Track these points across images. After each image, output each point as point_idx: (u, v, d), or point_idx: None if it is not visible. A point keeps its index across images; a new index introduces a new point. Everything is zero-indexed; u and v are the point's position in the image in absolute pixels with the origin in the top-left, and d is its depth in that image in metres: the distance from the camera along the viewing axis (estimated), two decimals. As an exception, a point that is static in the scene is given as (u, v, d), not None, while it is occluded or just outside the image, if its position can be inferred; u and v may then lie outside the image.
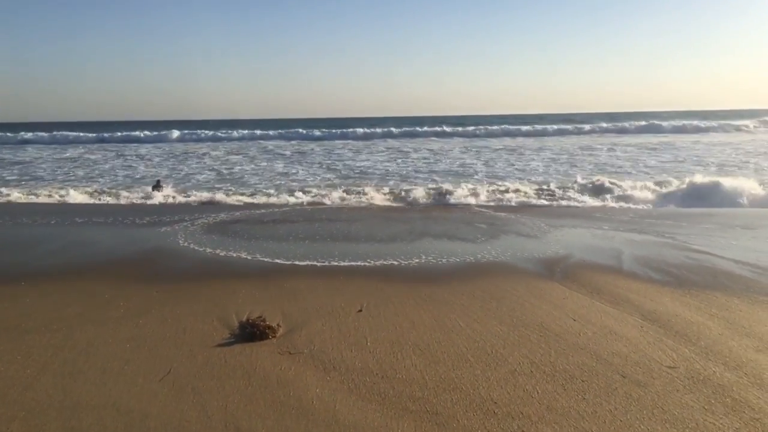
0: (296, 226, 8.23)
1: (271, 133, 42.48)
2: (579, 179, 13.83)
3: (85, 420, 2.73)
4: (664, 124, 42.06)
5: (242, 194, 12.44)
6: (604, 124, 44.61)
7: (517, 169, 17.85)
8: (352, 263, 5.80)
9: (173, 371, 3.25)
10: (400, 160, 21.71)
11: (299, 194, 12.16)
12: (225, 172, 18.41)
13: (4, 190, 13.46)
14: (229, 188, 13.96)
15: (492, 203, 10.71)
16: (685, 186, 12.09)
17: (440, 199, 11.19)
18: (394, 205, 11.03)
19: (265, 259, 6.00)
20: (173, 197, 12.01)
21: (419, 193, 11.79)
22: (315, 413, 2.78)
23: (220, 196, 11.86)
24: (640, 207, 10.37)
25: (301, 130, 44.12)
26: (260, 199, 11.69)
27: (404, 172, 17.64)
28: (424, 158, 22.50)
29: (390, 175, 16.81)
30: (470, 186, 12.51)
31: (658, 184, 12.85)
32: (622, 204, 10.73)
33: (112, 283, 5.08)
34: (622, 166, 18.28)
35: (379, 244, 6.82)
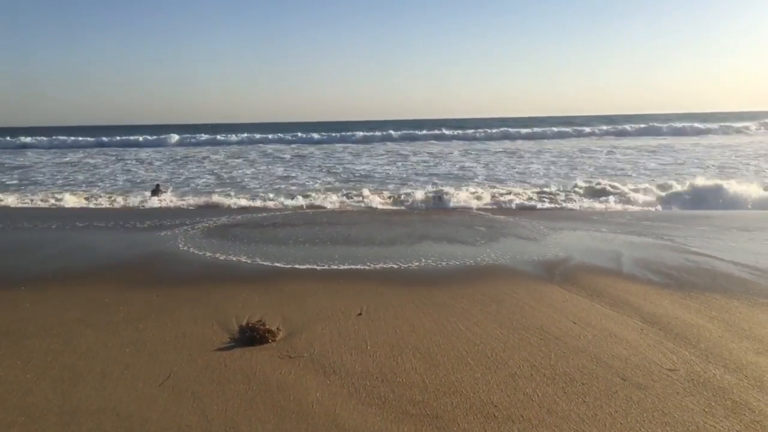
0: (296, 229, 8.23)
1: (270, 136, 42.60)
2: (578, 182, 13.84)
3: (85, 425, 2.73)
4: (664, 126, 42.08)
5: (242, 198, 12.45)
6: (604, 127, 44.71)
7: (516, 172, 17.87)
8: (352, 267, 5.80)
9: (173, 375, 3.25)
10: (399, 164, 21.74)
11: (299, 198, 12.18)
12: (225, 175, 18.43)
13: (2, 195, 13.47)
14: (229, 192, 13.97)
15: (491, 206, 10.72)
16: (684, 188, 12.11)
17: (440, 202, 11.20)
18: (394, 208, 11.04)
19: (265, 263, 6.00)
20: (173, 201, 12.02)
21: (419, 196, 11.80)
22: (315, 417, 2.78)
23: (220, 200, 11.87)
24: (639, 209, 10.39)
25: (300, 133, 44.23)
26: (260, 203, 11.70)
27: (404, 175, 17.66)
28: (424, 161, 22.53)
29: (390, 178, 16.83)
30: (470, 189, 12.52)
31: (658, 186, 12.86)
32: (622, 206, 10.74)
33: (111, 288, 5.08)
34: (622, 168, 18.30)
35: (379, 247, 6.82)
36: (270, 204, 11.58)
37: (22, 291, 5.00)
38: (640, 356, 3.42)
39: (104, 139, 41.41)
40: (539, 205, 10.83)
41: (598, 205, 10.89)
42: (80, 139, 41.49)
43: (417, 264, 5.88)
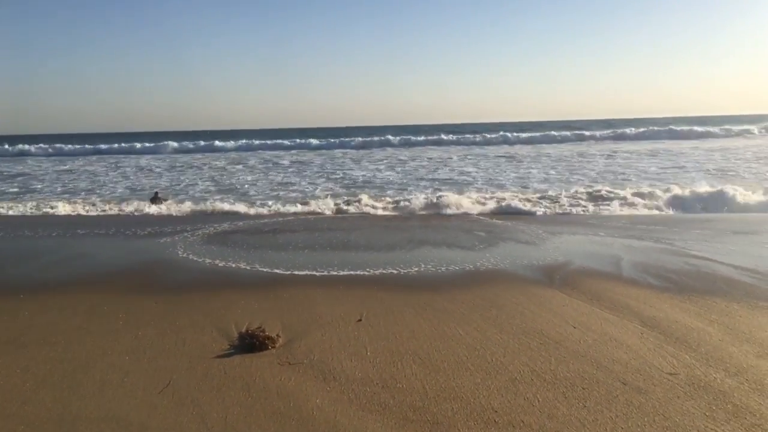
0: (295, 235, 8.24)
1: (269, 142, 42.64)
2: (578, 186, 13.85)
3: (85, 433, 2.72)
4: (664, 130, 42.22)
5: (242, 204, 12.45)
6: (604, 131, 44.76)
7: (516, 176, 17.89)
8: (352, 272, 5.80)
9: (173, 383, 3.24)
10: (398, 169, 21.76)
11: (298, 204, 12.18)
12: (224, 182, 18.45)
13: (5, 203, 13.48)
14: (229, 198, 13.98)
15: (491, 211, 10.71)
16: (684, 192, 12.11)
17: (439, 207, 11.19)
18: (393, 213, 11.03)
19: (264, 270, 6.00)
20: (172, 208, 12.02)
21: (418, 201, 11.79)
22: (315, 424, 2.77)
23: (219, 206, 11.86)
24: (638, 213, 10.38)
25: (299, 139, 44.31)
26: (259, 209, 11.67)
27: (403, 180, 17.67)
28: (423, 167, 22.56)
29: (389, 183, 16.84)
30: (469, 194, 12.53)
31: (657, 190, 12.87)
32: (621, 210, 10.74)
33: (111, 295, 5.07)
34: (622, 173, 18.32)
35: (379, 253, 6.82)
36: (269, 210, 11.57)
37: (22, 299, 5.00)
38: (641, 360, 3.41)
39: (103, 146, 41.45)
40: (539, 210, 10.83)
41: (597, 209, 10.89)
42: (79, 146, 41.51)
43: (417, 269, 5.87)
